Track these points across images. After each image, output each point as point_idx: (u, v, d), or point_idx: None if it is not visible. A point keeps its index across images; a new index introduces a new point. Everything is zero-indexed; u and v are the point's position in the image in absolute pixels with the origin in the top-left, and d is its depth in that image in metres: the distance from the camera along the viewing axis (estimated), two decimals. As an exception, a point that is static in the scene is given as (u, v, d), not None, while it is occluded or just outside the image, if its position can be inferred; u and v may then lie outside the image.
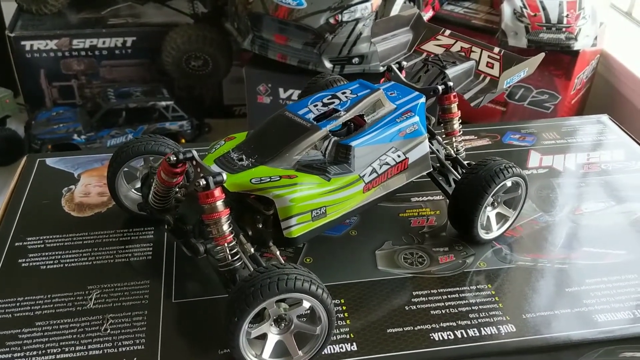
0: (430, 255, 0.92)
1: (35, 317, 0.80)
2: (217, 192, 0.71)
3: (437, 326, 0.80)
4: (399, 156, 0.85)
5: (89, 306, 0.81)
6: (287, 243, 0.80)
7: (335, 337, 0.77)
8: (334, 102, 0.85)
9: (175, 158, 0.73)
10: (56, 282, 0.85)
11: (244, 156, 0.79)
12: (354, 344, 0.77)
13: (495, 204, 0.93)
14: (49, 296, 0.83)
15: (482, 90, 0.96)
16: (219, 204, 0.71)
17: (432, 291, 0.85)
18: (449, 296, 0.84)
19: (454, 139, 0.97)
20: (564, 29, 1.98)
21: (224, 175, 0.70)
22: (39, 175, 1.07)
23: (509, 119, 2.17)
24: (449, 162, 0.97)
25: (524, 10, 2.03)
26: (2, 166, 2.33)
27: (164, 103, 2.29)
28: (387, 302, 0.83)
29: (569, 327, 0.80)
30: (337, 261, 0.90)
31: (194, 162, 0.73)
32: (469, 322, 0.80)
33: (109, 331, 0.78)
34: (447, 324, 0.80)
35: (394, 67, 0.96)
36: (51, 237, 0.93)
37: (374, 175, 0.83)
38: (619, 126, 1.25)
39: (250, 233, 0.78)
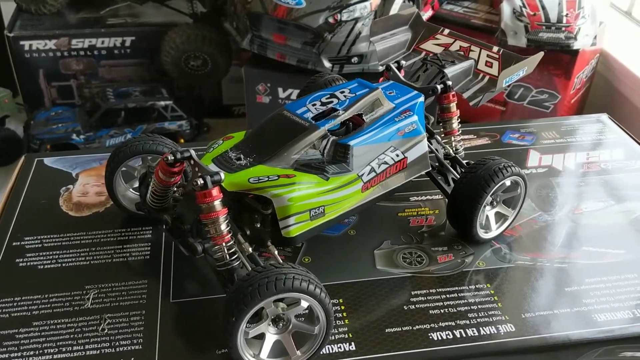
0: (429, 254, 0.91)
1: (32, 317, 0.79)
2: (215, 191, 0.70)
3: (436, 326, 0.79)
4: (397, 155, 0.85)
5: (86, 306, 0.81)
6: (285, 242, 0.79)
7: (333, 337, 0.77)
8: (332, 102, 0.85)
9: (172, 157, 0.73)
10: (54, 282, 0.85)
11: (242, 155, 0.79)
12: (353, 343, 0.77)
13: (495, 203, 0.93)
14: (46, 296, 0.82)
15: (481, 89, 0.96)
16: (217, 203, 0.71)
17: (431, 291, 0.85)
18: (447, 296, 0.84)
19: (453, 138, 0.97)
20: (563, 28, 1.98)
21: (222, 175, 0.70)
22: (37, 175, 1.07)
23: (509, 119, 2.17)
24: (448, 161, 0.96)
25: (524, 9, 2.03)
26: (1, 166, 2.33)
27: (163, 103, 2.29)
28: (385, 302, 0.83)
29: (568, 327, 0.80)
30: (336, 261, 0.89)
31: (192, 162, 0.73)
32: (468, 322, 0.80)
33: (106, 331, 0.78)
34: (446, 323, 0.80)
35: (393, 66, 0.95)
36: (49, 236, 0.93)
37: (373, 174, 0.83)
38: (619, 125, 1.25)
39: (248, 232, 0.78)
